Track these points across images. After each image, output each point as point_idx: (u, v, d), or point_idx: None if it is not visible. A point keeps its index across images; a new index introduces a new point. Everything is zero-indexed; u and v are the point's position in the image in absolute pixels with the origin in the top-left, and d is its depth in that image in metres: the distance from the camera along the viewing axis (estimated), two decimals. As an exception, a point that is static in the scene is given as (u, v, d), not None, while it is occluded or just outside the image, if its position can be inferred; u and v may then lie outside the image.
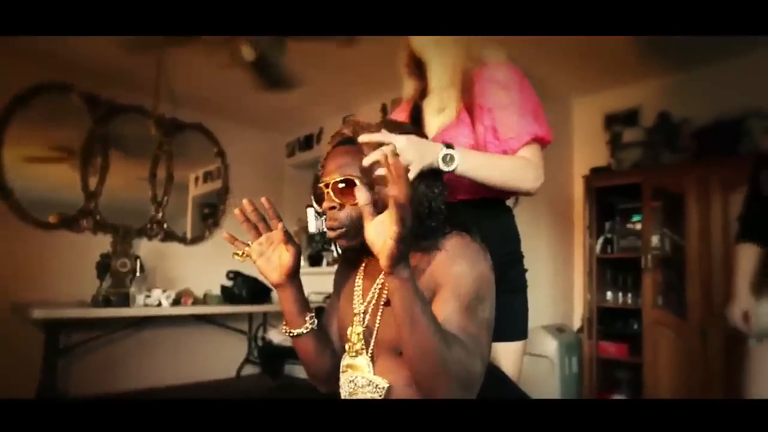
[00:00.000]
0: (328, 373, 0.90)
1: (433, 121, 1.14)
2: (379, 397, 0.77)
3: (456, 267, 0.74)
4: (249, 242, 0.84)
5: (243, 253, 0.83)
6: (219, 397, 3.06)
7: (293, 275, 0.85)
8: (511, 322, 1.02)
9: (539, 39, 2.55)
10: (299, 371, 0.95)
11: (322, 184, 0.81)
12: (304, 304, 0.87)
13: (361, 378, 0.79)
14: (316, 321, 0.88)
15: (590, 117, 3.35)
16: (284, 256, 0.83)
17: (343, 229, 0.78)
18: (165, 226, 3.57)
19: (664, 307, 2.66)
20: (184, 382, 3.40)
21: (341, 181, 0.77)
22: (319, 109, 3.76)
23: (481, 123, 1.05)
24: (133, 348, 3.29)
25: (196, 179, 3.94)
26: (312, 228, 0.84)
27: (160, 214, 3.55)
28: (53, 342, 2.71)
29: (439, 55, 1.11)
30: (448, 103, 1.09)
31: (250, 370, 3.82)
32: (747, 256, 1.51)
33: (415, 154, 0.80)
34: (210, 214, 3.90)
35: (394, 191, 0.60)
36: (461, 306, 0.72)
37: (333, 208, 0.79)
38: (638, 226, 2.87)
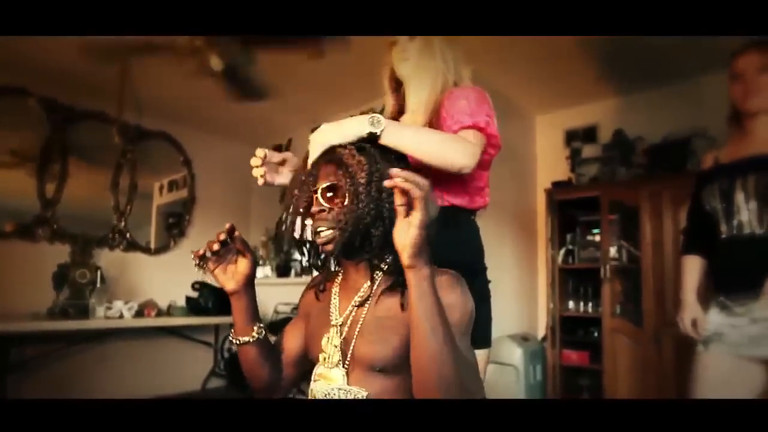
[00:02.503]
0: (266, 384, 0.92)
1: None
2: (356, 408, 0.79)
3: (451, 296, 0.77)
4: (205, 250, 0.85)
5: (201, 263, 0.84)
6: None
7: (248, 284, 0.88)
8: (475, 330, 1.06)
9: (507, 60, 2.66)
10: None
11: (312, 190, 0.84)
12: (255, 313, 0.89)
13: (337, 389, 0.81)
14: (263, 332, 0.90)
15: (552, 133, 3.49)
16: (241, 264, 0.87)
17: (331, 232, 0.81)
18: (128, 235, 3.46)
19: (621, 315, 2.78)
20: (147, 396, 3.29)
21: (329, 187, 0.82)
22: (287, 119, 3.76)
23: (445, 130, 1.12)
24: (93, 362, 3.16)
25: (161, 188, 3.85)
26: (297, 234, 0.86)
27: (123, 224, 3.44)
28: (3, 356, 2.58)
29: (419, 86, 1.19)
30: (417, 117, 1.17)
31: (216, 382, 3.74)
32: (692, 267, 1.60)
33: (330, 134, 0.87)
34: (175, 224, 3.81)
35: (414, 191, 0.67)
36: (458, 332, 0.75)
37: (322, 211, 0.82)
38: (597, 238, 3.00)
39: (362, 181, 0.79)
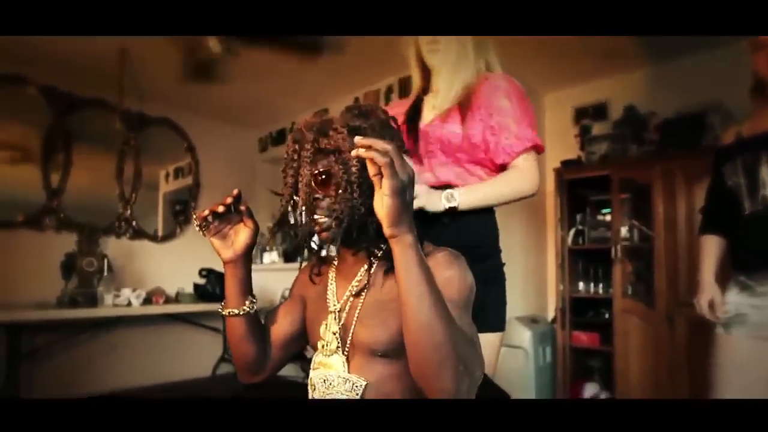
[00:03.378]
0: (251, 362, 0.88)
1: (428, 115, 1.19)
2: (357, 396, 0.76)
3: (448, 272, 0.74)
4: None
5: (203, 225, 0.81)
6: (194, 396, 3.00)
7: (246, 254, 0.84)
8: (487, 313, 1.03)
9: (515, 38, 2.57)
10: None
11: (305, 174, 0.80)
12: (248, 286, 0.87)
13: (337, 377, 0.79)
14: (255, 307, 0.87)
15: (561, 111, 3.40)
16: (242, 233, 0.83)
17: (327, 220, 0.78)
18: (134, 223, 3.46)
19: (633, 296, 2.74)
20: (157, 382, 3.32)
21: (322, 173, 0.78)
22: (291, 103, 3.70)
23: (480, 121, 1.10)
24: (102, 349, 3.19)
25: (167, 175, 3.83)
26: (291, 219, 0.83)
27: (129, 212, 3.44)
28: (15, 345, 2.60)
29: (448, 77, 1.15)
30: (445, 103, 1.15)
31: (226, 368, 3.76)
32: (711, 247, 1.55)
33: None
34: (181, 211, 3.80)
35: (378, 158, 0.62)
36: (456, 307, 0.72)
37: (317, 198, 0.79)
38: (608, 218, 2.94)
39: (354, 169, 0.75)
